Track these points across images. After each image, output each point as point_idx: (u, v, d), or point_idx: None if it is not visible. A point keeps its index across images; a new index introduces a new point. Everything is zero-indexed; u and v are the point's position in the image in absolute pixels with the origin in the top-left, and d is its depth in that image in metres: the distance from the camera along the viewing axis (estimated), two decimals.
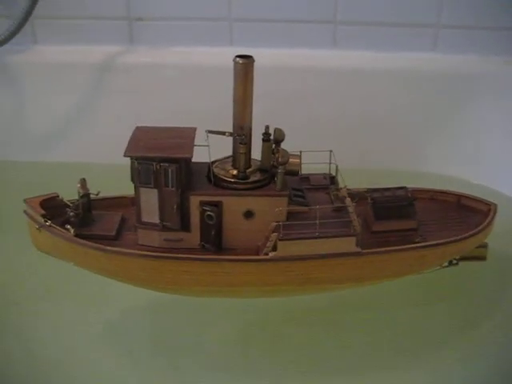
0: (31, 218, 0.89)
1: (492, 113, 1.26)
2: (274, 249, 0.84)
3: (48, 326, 0.94)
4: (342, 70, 1.29)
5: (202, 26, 1.29)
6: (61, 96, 1.33)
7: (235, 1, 1.28)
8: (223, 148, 0.89)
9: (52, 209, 0.91)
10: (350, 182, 0.93)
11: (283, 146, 0.88)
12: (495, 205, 0.96)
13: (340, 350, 0.90)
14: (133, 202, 0.92)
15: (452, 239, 0.89)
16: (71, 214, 0.89)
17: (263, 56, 1.23)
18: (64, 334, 0.92)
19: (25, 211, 0.91)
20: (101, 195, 0.93)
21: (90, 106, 1.33)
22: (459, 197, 0.99)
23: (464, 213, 0.97)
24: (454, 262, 0.95)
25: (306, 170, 0.93)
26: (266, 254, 0.84)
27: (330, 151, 0.94)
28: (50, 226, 0.87)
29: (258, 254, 0.85)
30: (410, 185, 0.97)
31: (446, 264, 0.95)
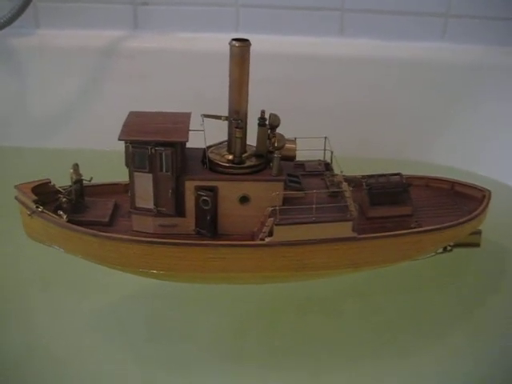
0: (23, 203, 0.88)
1: (500, 103, 1.25)
2: (270, 234, 0.83)
3: (39, 314, 0.93)
4: (349, 59, 1.28)
5: (207, 11, 1.28)
6: (63, 81, 1.31)
7: None
8: (218, 133, 0.88)
9: (44, 195, 0.89)
10: (350, 170, 0.93)
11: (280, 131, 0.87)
12: (489, 191, 0.97)
13: (338, 337, 0.90)
14: (126, 189, 0.91)
15: (447, 225, 0.89)
16: (63, 199, 0.88)
17: (269, 43, 1.25)
18: (55, 320, 0.91)
19: (16, 197, 0.89)
20: (94, 181, 0.91)
21: (94, 92, 1.32)
22: (453, 183, 1.00)
23: (458, 199, 0.97)
24: (449, 248, 0.95)
25: (302, 157, 0.93)
26: (262, 239, 0.84)
27: (325, 138, 0.94)
28: (42, 211, 0.86)
29: (253, 240, 0.85)
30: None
31: (441, 250, 0.95)
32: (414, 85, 1.29)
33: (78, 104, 1.33)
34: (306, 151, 0.91)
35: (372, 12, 1.29)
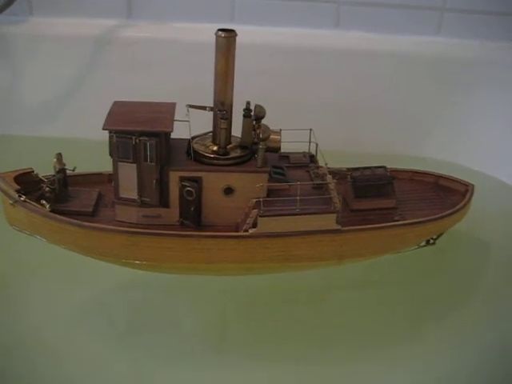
0: (5, 192, 0.87)
1: (494, 98, 1.26)
2: (254, 225, 0.83)
3: (21, 304, 0.91)
4: (344, 51, 1.28)
5: (203, 1, 1.27)
6: (57, 69, 1.30)
7: None
8: (203, 124, 0.88)
9: (27, 184, 0.89)
10: (337, 163, 0.93)
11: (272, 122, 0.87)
12: (472, 185, 0.97)
13: (324, 327, 0.90)
14: (110, 179, 0.90)
15: (430, 218, 0.90)
16: (46, 189, 0.87)
17: (264, 34, 1.24)
18: (37, 312, 0.90)
19: None
20: (80, 171, 0.91)
21: (87, 80, 1.31)
22: (437, 177, 1.00)
23: (442, 193, 0.98)
24: (431, 241, 0.96)
25: (287, 149, 0.92)
26: (246, 230, 0.84)
27: (310, 130, 0.94)
28: (24, 201, 0.85)
29: (237, 231, 0.85)
30: None
31: (424, 244, 0.95)
32: (409, 79, 1.28)
33: (71, 93, 1.31)
34: (292, 143, 0.91)
35: (368, 5, 1.28)
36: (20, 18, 1.30)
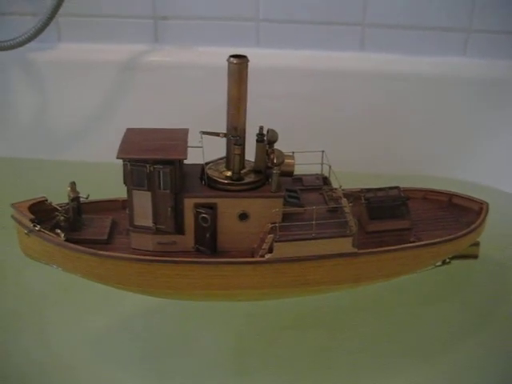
0: (19, 222, 0.87)
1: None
2: (270, 250, 0.83)
3: (36, 332, 0.92)
4: (369, 73, 1.27)
5: (228, 25, 1.28)
6: (85, 94, 1.31)
7: (263, 1, 1.26)
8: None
9: (41, 213, 0.88)
10: (355, 184, 0.93)
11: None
12: (487, 203, 0.97)
13: (338, 351, 0.90)
14: (124, 205, 0.90)
15: (446, 238, 0.89)
16: (61, 218, 0.87)
17: (290, 57, 1.25)
18: (51, 339, 0.90)
19: (12, 216, 0.88)
20: (92, 198, 0.91)
21: (114, 105, 1.32)
22: (451, 196, 1.00)
23: (456, 212, 0.98)
24: (447, 260, 0.95)
25: (300, 171, 0.92)
26: (262, 255, 0.83)
27: (322, 151, 0.94)
28: (39, 230, 0.85)
29: (253, 256, 0.85)
30: None
31: (440, 263, 0.95)
32: (435, 100, 1.28)
33: (98, 118, 1.33)
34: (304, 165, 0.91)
35: (393, 27, 1.28)
36: (48, 45, 1.32)
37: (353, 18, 1.27)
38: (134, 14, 1.30)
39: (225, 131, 0.85)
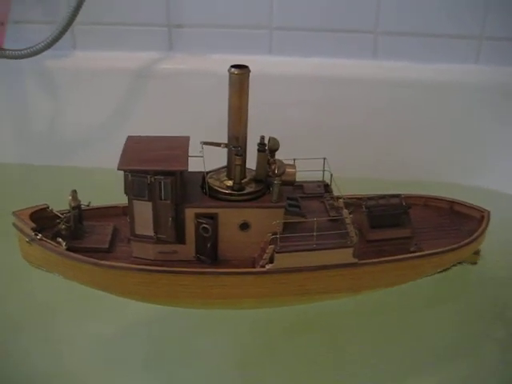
0: (21, 231, 0.87)
1: None
2: (271, 261, 0.83)
3: (40, 340, 0.92)
4: (381, 81, 1.26)
5: (241, 33, 1.27)
6: (99, 102, 1.31)
7: (276, 9, 1.25)
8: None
9: (42, 220, 0.89)
10: (363, 191, 0.93)
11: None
12: (488, 211, 0.97)
13: (337, 358, 0.90)
14: (124, 212, 0.91)
15: (447, 248, 0.89)
16: (62, 226, 0.87)
17: (302, 65, 1.24)
18: (55, 347, 0.91)
19: (14, 224, 0.88)
20: (93, 205, 0.91)
21: (127, 112, 1.32)
22: (452, 203, 0.99)
23: (457, 219, 0.97)
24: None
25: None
26: (263, 266, 0.83)
27: (324, 159, 0.94)
28: (40, 239, 0.86)
29: (253, 266, 0.85)
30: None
31: (440, 270, 0.95)
32: (448, 107, 1.26)
33: (113, 125, 1.33)
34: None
35: (405, 34, 1.26)
36: (64, 52, 1.32)
37: (365, 25, 1.26)
38: (148, 22, 1.30)
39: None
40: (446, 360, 0.90)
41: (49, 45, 1.20)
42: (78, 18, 1.19)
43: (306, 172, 0.90)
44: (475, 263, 0.98)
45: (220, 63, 1.13)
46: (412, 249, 0.90)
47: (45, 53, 1.22)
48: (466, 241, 0.91)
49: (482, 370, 0.88)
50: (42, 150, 1.34)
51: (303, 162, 0.90)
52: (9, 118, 1.35)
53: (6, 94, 1.34)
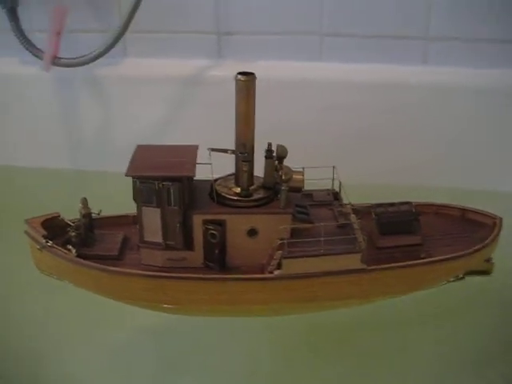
0: (33, 238, 0.89)
1: None
2: (279, 267, 0.83)
3: (50, 347, 0.92)
4: (433, 87, 1.27)
5: (291, 40, 1.28)
6: (149, 108, 1.34)
7: (326, 15, 1.26)
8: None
9: (54, 228, 0.90)
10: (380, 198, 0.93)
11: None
12: (500, 218, 0.95)
13: (350, 368, 0.89)
14: (134, 221, 0.91)
15: (458, 254, 0.88)
16: (73, 234, 0.88)
17: (352, 71, 1.25)
18: (65, 355, 0.91)
19: (26, 232, 0.90)
20: (104, 214, 0.92)
21: (178, 119, 1.34)
22: (463, 211, 0.98)
23: (469, 227, 0.96)
24: (460, 276, 0.94)
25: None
26: (271, 272, 0.83)
27: (333, 167, 0.94)
28: (51, 246, 0.87)
29: (262, 272, 0.85)
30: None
31: (452, 278, 0.94)
32: (494, 113, 1.27)
33: (163, 131, 1.35)
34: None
35: (456, 40, 1.27)
36: (115, 60, 1.35)
37: (416, 31, 1.27)
38: (197, 30, 1.33)
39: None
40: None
41: (102, 53, 1.23)
42: (129, 27, 1.21)
43: (315, 181, 0.90)
44: (489, 273, 0.97)
45: (269, 69, 1.15)
46: (422, 255, 0.89)
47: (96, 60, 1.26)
48: (476, 247, 0.90)
49: None
50: (94, 157, 1.38)
51: (315, 169, 0.90)
52: (62, 125, 1.39)
53: (61, 100, 1.37)
